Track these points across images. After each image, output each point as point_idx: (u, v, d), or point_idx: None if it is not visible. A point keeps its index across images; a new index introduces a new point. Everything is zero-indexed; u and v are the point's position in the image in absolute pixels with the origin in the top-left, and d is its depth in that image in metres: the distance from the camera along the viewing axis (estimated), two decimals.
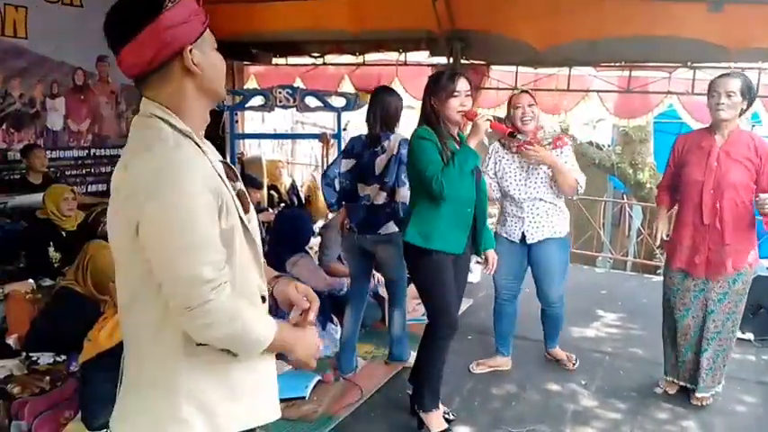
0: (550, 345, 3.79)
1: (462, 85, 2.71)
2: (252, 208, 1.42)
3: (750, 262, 3.08)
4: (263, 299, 1.41)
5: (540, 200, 3.34)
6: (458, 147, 2.76)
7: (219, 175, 1.28)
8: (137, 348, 1.32)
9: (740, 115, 3.04)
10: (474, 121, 2.70)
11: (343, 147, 4.10)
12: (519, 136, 3.12)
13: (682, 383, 3.35)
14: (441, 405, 3.01)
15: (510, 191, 3.37)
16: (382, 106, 3.32)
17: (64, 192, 4.33)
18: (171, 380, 1.27)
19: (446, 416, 3.03)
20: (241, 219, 1.31)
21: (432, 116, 2.75)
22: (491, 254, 3.01)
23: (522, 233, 3.39)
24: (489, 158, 3.46)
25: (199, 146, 1.27)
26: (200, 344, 1.25)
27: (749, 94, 2.97)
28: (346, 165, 3.43)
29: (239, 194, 1.35)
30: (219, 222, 1.23)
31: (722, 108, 2.94)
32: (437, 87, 2.72)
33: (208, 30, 1.30)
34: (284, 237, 3.86)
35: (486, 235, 2.98)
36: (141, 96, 1.29)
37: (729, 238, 3.02)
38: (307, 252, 3.95)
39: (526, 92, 3.44)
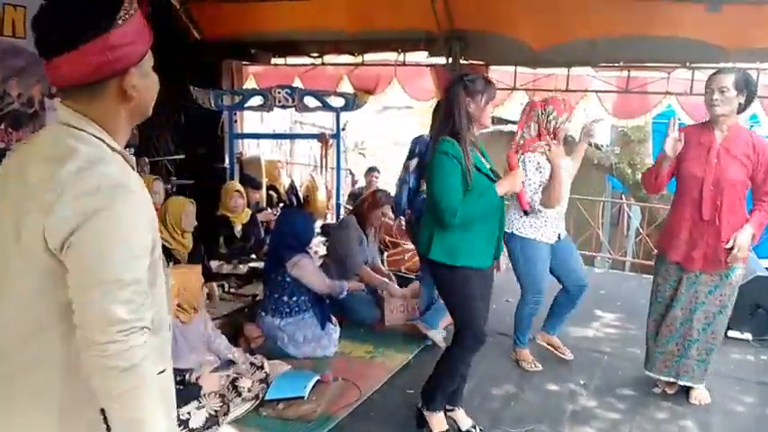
0: (552, 329, 3.81)
1: (495, 92, 2.75)
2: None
3: (744, 258, 3.09)
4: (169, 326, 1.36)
5: (566, 198, 3.52)
6: (480, 157, 2.74)
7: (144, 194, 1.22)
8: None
9: (740, 111, 3.03)
10: (515, 172, 2.78)
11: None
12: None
13: (655, 376, 3.36)
14: (466, 416, 3.01)
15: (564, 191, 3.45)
16: None
17: None
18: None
19: (473, 430, 2.98)
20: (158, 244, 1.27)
21: (463, 119, 2.65)
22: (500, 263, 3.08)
23: (558, 234, 3.56)
24: (529, 171, 3.35)
25: (131, 167, 1.23)
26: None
27: (746, 88, 2.95)
28: (411, 164, 3.67)
29: None
30: (150, 256, 1.19)
31: (717, 104, 2.96)
32: (475, 90, 2.65)
33: (149, 51, 1.23)
34: (285, 237, 3.85)
35: (499, 242, 2.93)
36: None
37: (726, 235, 3.03)
38: (307, 252, 3.94)
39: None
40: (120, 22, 1.12)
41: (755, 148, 2.96)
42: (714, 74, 3.05)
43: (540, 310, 3.72)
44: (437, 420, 2.89)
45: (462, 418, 3.02)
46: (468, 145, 2.64)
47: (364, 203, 4.53)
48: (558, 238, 3.56)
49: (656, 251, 3.70)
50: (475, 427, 3.00)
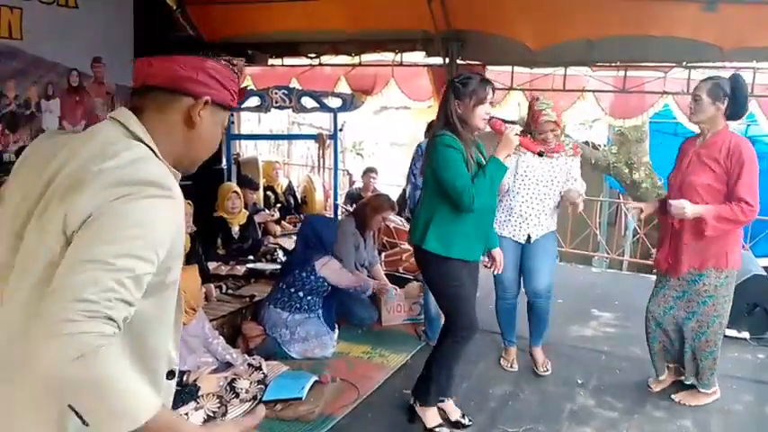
0: (534, 342, 3.73)
1: (491, 92, 2.69)
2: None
3: (716, 265, 3.04)
4: (172, 374, 1.27)
5: (549, 206, 3.41)
6: (480, 155, 2.75)
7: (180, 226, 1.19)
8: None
9: (732, 117, 3.00)
10: (505, 133, 2.67)
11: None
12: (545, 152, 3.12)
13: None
14: (457, 408, 3.06)
15: (528, 191, 3.38)
16: None
17: None
18: None
19: (461, 420, 3.03)
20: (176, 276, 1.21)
21: (455, 121, 2.67)
22: (498, 252, 3.00)
23: (528, 234, 3.43)
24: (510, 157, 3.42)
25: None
26: None
27: (729, 94, 2.91)
28: (420, 165, 3.74)
29: None
30: (161, 274, 1.11)
31: (692, 112, 3.03)
32: (466, 92, 2.65)
33: (228, 112, 1.28)
34: (310, 240, 3.95)
35: (491, 235, 2.99)
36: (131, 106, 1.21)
37: (687, 239, 3.05)
38: (332, 254, 4.00)
39: (550, 121, 3.33)
40: (222, 61, 1.23)
41: (729, 152, 2.91)
42: (699, 82, 3.06)
43: (516, 312, 3.69)
44: (431, 415, 2.92)
45: (452, 409, 3.06)
46: (468, 145, 2.67)
47: (366, 207, 4.53)
48: (528, 239, 3.44)
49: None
50: (464, 417, 3.04)
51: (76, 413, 0.97)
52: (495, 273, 3.12)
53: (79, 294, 0.95)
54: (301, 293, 3.83)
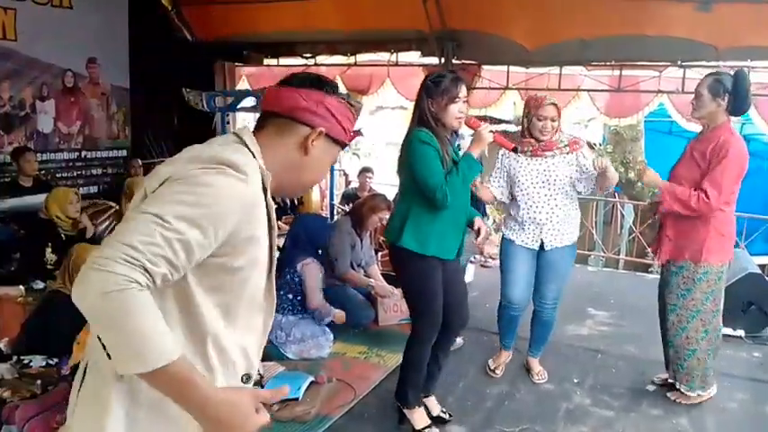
0: (532, 352, 3.61)
1: (463, 90, 2.67)
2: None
3: (692, 258, 3.04)
4: (248, 377, 1.30)
5: (558, 207, 3.24)
6: (453, 155, 2.75)
7: (270, 227, 1.24)
8: (97, 354, 1.16)
9: (734, 113, 3.00)
10: (478, 130, 2.67)
11: None
12: (519, 147, 3.06)
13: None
14: (437, 404, 3.06)
15: (528, 195, 3.26)
16: None
17: (69, 194, 4.46)
18: (105, 399, 1.14)
19: (442, 415, 3.05)
20: (268, 275, 1.29)
21: (430, 120, 2.67)
22: (479, 221, 2.90)
23: (542, 240, 3.28)
24: (498, 162, 3.37)
25: (265, 191, 1.23)
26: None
27: (730, 90, 2.91)
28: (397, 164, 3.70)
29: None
30: (227, 256, 1.15)
31: (693, 107, 3.04)
32: (438, 90, 2.65)
33: (340, 148, 1.37)
34: (299, 239, 3.96)
35: (472, 212, 2.92)
36: (257, 129, 1.32)
37: (669, 230, 3.12)
38: (319, 258, 3.99)
39: (554, 104, 3.20)
40: (341, 100, 1.32)
41: (715, 148, 2.92)
42: (703, 77, 3.07)
43: (519, 320, 3.56)
44: (417, 416, 2.92)
45: (433, 404, 3.08)
46: (443, 143, 2.68)
47: (363, 207, 4.53)
48: (542, 246, 3.29)
49: None
50: (444, 413, 3.06)
51: (102, 345, 1.03)
52: (478, 244, 3.03)
53: (128, 239, 1.01)
54: (290, 295, 3.82)
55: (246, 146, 1.24)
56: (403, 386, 2.93)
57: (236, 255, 1.17)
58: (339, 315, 3.99)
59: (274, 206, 1.26)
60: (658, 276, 3.47)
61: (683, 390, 3.24)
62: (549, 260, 3.33)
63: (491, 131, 2.67)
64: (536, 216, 3.26)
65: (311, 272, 3.83)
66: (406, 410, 2.94)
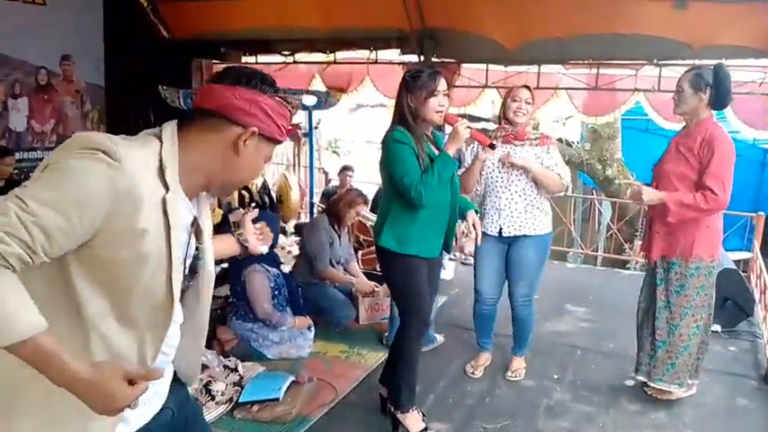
0: (514, 350, 3.63)
1: (442, 84, 2.66)
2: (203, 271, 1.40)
3: (683, 255, 3.07)
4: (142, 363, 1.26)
5: (519, 195, 3.26)
6: (433, 148, 2.74)
7: (169, 226, 1.19)
8: None
9: (716, 107, 3.03)
10: (455, 126, 2.67)
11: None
12: (497, 143, 3.03)
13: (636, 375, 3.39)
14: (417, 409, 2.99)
15: (490, 181, 3.31)
16: None
17: None
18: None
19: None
20: (170, 278, 1.22)
21: (408, 115, 2.67)
22: (472, 214, 2.91)
23: (500, 227, 3.29)
24: (466, 151, 3.39)
25: (168, 188, 1.19)
26: None
27: (711, 84, 2.93)
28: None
29: (190, 260, 1.32)
30: (100, 248, 1.12)
31: (675, 103, 3.06)
32: (416, 85, 2.64)
33: (274, 146, 1.35)
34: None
35: (462, 202, 2.92)
36: (185, 123, 1.28)
37: (658, 226, 3.12)
38: (270, 260, 3.88)
39: (527, 87, 3.32)
40: (277, 97, 1.29)
41: (703, 142, 2.94)
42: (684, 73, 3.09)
43: (492, 318, 3.56)
44: (412, 419, 2.88)
45: (383, 390, 3.06)
46: (420, 139, 2.67)
47: (339, 203, 4.51)
48: (500, 233, 3.29)
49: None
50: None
51: None
52: (472, 237, 3.04)
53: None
54: (243, 302, 3.73)
55: (160, 138, 1.21)
56: (398, 389, 2.87)
57: (116, 246, 1.13)
58: (300, 322, 3.87)
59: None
60: (635, 273, 3.49)
61: (671, 389, 3.22)
62: (516, 255, 3.34)
63: (467, 127, 2.67)
64: (495, 201, 3.30)
65: (254, 279, 3.70)
66: (400, 415, 2.88)
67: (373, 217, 5.51)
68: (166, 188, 1.18)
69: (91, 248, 1.12)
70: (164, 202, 1.18)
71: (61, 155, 1.10)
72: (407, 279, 2.76)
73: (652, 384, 3.26)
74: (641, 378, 3.32)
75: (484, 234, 3.27)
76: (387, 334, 3.97)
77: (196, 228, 1.35)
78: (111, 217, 1.10)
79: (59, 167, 1.08)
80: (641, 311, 3.35)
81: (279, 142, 1.36)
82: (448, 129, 2.80)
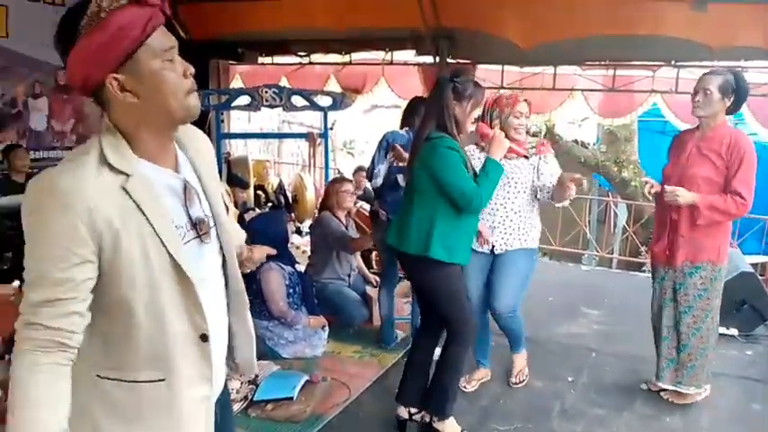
0: (511, 349, 3.53)
1: (484, 96, 2.67)
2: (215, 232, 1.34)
3: (711, 258, 3.05)
4: (204, 337, 1.27)
5: (515, 212, 3.10)
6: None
7: (141, 209, 1.15)
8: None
9: (729, 112, 3.03)
10: (495, 134, 2.68)
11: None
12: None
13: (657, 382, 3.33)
14: (411, 408, 2.94)
15: None
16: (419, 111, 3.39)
17: None
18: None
19: (415, 418, 2.94)
20: (170, 254, 1.18)
21: (452, 123, 2.60)
22: (481, 224, 2.92)
23: (492, 244, 3.14)
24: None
25: (126, 174, 1.15)
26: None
27: (735, 91, 2.94)
28: (389, 159, 3.72)
29: (196, 222, 1.26)
30: (100, 256, 1.13)
31: (698, 105, 3.00)
32: (464, 95, 2.59)
33: (148, 43, 1.13)
34: (258, 239, 3.85)
35: None
36: None
37: (684, 230, 3.06)
38: (285, 257, 3.90)
39: (526, 101, 3.12)
40: (83, 31, 1.10)
41: (730, 146, 2.93)
42: (704, 75, 3.06)
43: (484, 333, 3.42)
44: (451, 426, 2.86)
45: (402, 411, 2.96)
46: (463, 148, 2.67)
47: (328, 193, 4.56)
48: (492, 250, 3.15)
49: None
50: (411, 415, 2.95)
51: None
52: (484, 246, 3.05)
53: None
54: (258, 301, 3.72)
55: (101, 143, 1.16)
56: (443, 396, 2.83)
57: (113, 253, 1.15)
58: (315, 321, 3.89)
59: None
60: (650, 276, 3.45)
61: (691, 391, 3.22)
62: (501, 262, 3.17)
63: (506, 137, 2.70)
64: (489, 218, 3.11)
65: (270, 277, 3.72)
66: (438, 423, 2.85)
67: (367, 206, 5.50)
68: (126, 175, 1.15)
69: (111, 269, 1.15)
70: (124, 190, 1.14)
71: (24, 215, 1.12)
72: (455, 288, 2.73)
73: (672, 388, 3.25)
74: (665, 385, 3.27)
75: (473, 251, 3.06)
76: (398, 334, 4.04)
77: (188, 189, 1.27)
78: (103, 240, 1.12)
79: (28, 234, 1.11)
80: (655, 317, 3.31)
81: (147, 36, 1.13)
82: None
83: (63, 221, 1.08)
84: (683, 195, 2.93)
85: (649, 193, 3.18)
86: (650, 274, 3.45)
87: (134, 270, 1.15)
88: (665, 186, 3.01)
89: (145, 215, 1.15)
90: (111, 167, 1.14)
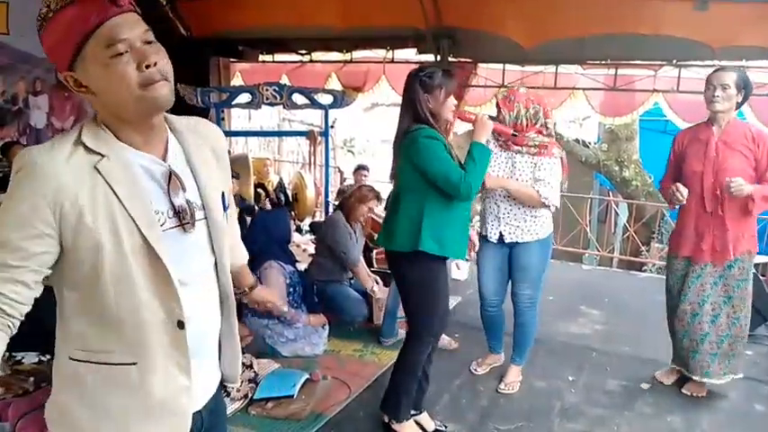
0: (512, 358, 3.49)
1: (455, 83, 2.66)
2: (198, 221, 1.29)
3: (749, 248, 3.16)
4: (181, 324, 1.22)
5: (518, 206, 3.16)
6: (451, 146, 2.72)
7: (113, 188, 1.15)
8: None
9: (737, 108, 3.11)
10: (478, 118, 2.66)
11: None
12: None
13: (680, 369, 3.43)
14: (431, 419, 2.95)
15: (489, 189, 3.20)
16: None
17: None
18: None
19: (439, 428, 2.95)
20: (143, 235, 1.16)
21: (427, 115, 2.59)
22: (471, 232, 2.93)
23: (500, 233, 3.22)
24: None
25: (101, 154, 1.16)
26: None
27: (745, 87, 3.04)
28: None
29: (179, 211, 1.24)
30: (60, 232, 1.13)
31: (717, 100, 3.02)
32: (433, 85, 2.59)
33: (95, 38, 1.11)
34: (259, 237, 3.86)
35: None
36: None
37: (731, 224, 3.11)
38: (285, 255, 3.89)
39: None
40: (45, 23, 1.14)
41: (755, 139, 3.03)
42: (716, 71, 3.10)
43: (500, 320, 3.51)
44: (409, 429, 2.83)
45: (427, 420, 2.94)
46: (441, 133, 2.64)
47: (350, 198, 4.51)
48: (501, 239, 3.22)
49: (666, 250, 3.71)
50: (442, 424, 2.97)
51: None
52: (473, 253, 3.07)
53: None
54: None
55: (81, 130, 1.19)
56: (396, 395, 2.79)
57: (85, 235, 1.16)
58: (315, 319, 3.89)
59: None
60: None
61: (728, 379, 3.29)
62: (519, 259, 3.25)
63: (489, 118, 2.68)
64: (494, 208, 3.23)
65: (270, 276, 3.72)
66: (395, 425, 2.81)
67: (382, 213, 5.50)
68: (100, 155, 1.16)
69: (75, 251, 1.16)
70: (96, 170, 1.15)
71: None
72: (438, 282, 2.70)
73: (713, 381, 3.30)
74: (711, 380, 3.30)
75: (485, 240, 3.31)
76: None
77: (173, 178, 1.24)
78: (64, 216, 1.13)
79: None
80: (688, 314, 3.26)
81: (82, 45, 1.13)
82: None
83: (27, 193, 1.11)
84: (747, 187, 2.98)
85: (678, 198, 3.14)
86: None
87: (101, 248, 1.14)
88: (731, 179, 2.96)
89: (116, 195, 1.15)
90: (87, 148, 1.16)
